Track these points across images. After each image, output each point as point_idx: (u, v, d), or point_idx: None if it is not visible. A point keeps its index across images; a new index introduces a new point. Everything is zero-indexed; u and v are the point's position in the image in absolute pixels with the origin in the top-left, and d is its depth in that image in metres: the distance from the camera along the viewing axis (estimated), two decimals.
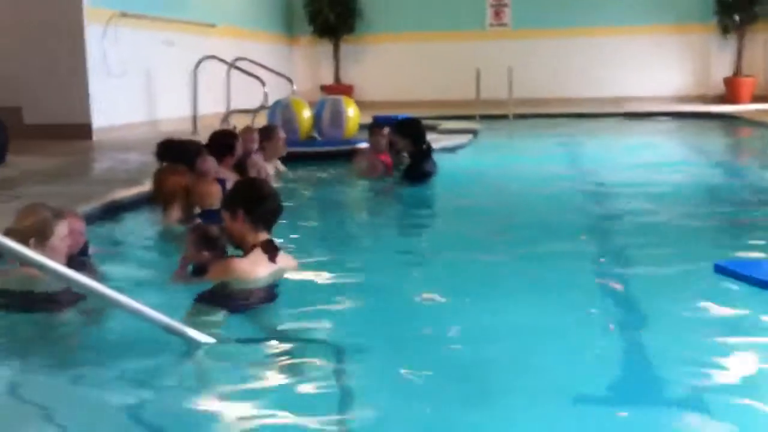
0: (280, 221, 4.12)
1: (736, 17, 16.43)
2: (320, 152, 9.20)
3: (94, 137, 10.32)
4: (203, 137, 7.36)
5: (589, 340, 3.25)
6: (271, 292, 3.82)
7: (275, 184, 7.19)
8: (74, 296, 3.62)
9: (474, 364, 3.04)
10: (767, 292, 3.78)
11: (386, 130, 8.41)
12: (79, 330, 3.54)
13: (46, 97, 10.32)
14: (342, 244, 5.28)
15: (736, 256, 4.38)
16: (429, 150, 7.21)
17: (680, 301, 3.72)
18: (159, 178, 5.42)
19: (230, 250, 4.09)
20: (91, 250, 4.35)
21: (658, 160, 9.26)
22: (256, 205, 3.93)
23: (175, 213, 5.29)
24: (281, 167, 8.06)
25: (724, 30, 16.68)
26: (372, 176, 7.48)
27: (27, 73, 10.33)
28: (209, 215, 5.27)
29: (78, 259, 4.17)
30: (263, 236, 3.96)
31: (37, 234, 3.68)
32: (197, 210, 5.40)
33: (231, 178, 5.69)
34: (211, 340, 3.17)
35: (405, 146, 7.21)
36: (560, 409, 2.64)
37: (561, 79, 17.52)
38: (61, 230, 3.79)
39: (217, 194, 5.32)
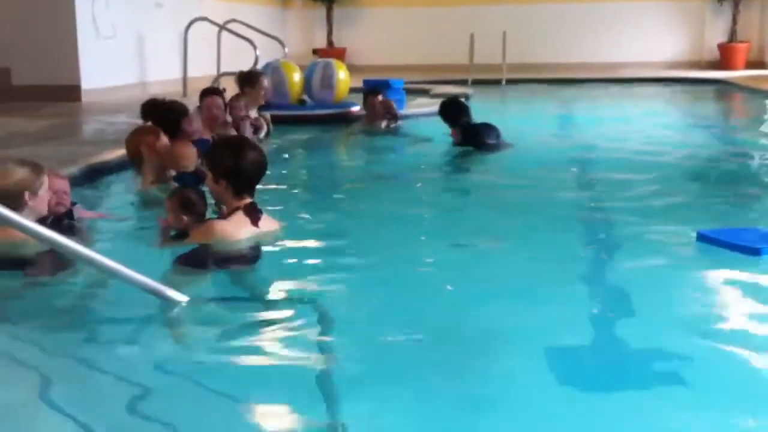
0: (269, 185, 4.09)
1: None
2: (311, 116, 9.17)
3: (84, 99, 10.27)
4: (193, 100, 7.34)
5: (574, 308, 3.23)
6: (253, 255, 3.81)
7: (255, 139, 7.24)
8: (54, 259, 3.62)
9: (457, 332, 3.01)
10: (749, 257, 3.79)
11: (380, 96, 8.43)
12: (59, 292, 3.53)
13: (35, 59, 10.24)
14: (330, 208, 5.25)
15: (720, 224, 4.36)
16: (471, 125, 7.24)
17: (663, 268, 3.71)
18: (127, 139, 5.40)
19: (210, 209, 4.10)
20: (82, 213, 4.35)
21: (650, 127, 9.24)
22: (239, 173, 3.90)
23: (148, 175, 5.27)
24: (266, 125, 7.96)
25: None
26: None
27: (16, 34, 10.24)
28: (184, 178, 5.26)
29: (65, 222, 4.18)
30: (246, 200, 3.95)
31: (29, 187, 3.77)
32: (172, 172, 5.38)
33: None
34: (185, 298, 3.18)
35: (452, 126, 7.34)
36: (543, 379, 2.63)
37: (555, 45, 17.42)
38: (45, 180, 3.89)
39: (192, 157, 5.29)
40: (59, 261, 3.62)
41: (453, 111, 7.44)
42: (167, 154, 5.32)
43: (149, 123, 5.69)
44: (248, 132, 7.07)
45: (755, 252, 3.79)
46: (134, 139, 5.35)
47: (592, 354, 2.88)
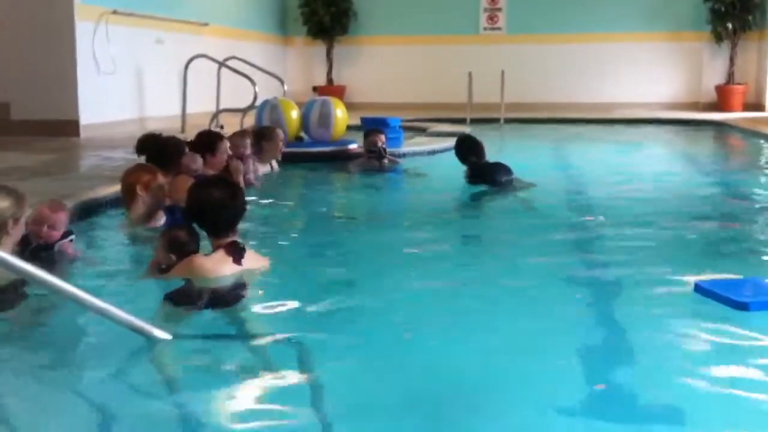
0: (262, 222, 4.06)
1: (730, 26, 16.46)
2: (308, 153, 9.18)
3: (82, 134, 10.32)
4: (191, 136, 7.34)
5: (569, 360, 3.17)
6: (238, 293, 3.78)
7: (261, 184, 7.24)
8: (25, 291, 3.59)
9: (447, 376, 2.98)
10: (744, 312, 3.66)
11: (382, 135, 8.46)
12: (34, 327, 3.50)
13: (34, 94, 10.30)
14: (323, 247, 5.21)
15: (718, 275, 4.21)
16: (480, 164, 7.28)
17: (659, 321, 3.59)
18: (124, 175, 5.38)
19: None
20: (65, 248, 4.33)
21: (648, 168, 9.25)
22: (205, 219, 3.97)
23: (138, 211, 5.23)
24: (275, 167, 8.05)
25: (718, 38, 16.69)
26: None
27: (16, 69, 10.32)
28: (174, 211, 5.24)
29: (43, 255, 4.15)
30: (227, 239, 3.95)
31: (15, 215, 3.72)
32: (168, 202, 5.36)
33: None
34: (169, 336, 3.15)
35: (462, 163, 7.41)
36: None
37: (553, 84, 17.53)
38: (27, 209, 3.88)
39: None
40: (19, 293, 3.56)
41: (461, 149, 7.46)
42: (167, 189, 5.31)
43: (143, 159, 5.69)
44: (242, 169, 7.04)
45: (743, 307, 3.68)
46: (130, 177, 5.32)
47: (587, 407, 2.80)
